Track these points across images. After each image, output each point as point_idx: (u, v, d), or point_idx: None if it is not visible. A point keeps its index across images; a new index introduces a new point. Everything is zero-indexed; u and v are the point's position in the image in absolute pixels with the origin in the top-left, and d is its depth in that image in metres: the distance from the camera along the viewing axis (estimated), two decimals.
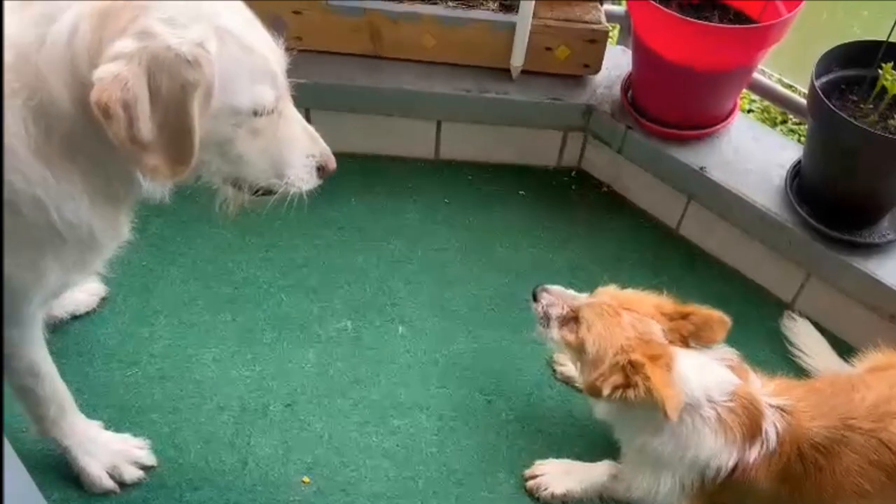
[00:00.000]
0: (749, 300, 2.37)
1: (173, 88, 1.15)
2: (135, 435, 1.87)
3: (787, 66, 2.71)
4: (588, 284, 2.33)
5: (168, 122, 1.17)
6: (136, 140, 1.16)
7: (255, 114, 1.29)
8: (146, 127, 1.16)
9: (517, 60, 2.47)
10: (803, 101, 2.42)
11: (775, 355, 2.21)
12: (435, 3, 2.44)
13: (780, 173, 2.33)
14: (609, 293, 1.78)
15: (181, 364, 2.05)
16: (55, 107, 1.19)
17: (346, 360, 2.11)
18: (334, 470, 1.90)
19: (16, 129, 1.18)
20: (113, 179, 1.34)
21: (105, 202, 1.34)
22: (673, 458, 1.70)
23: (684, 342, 1.72)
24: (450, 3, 2.45)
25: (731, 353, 1.77)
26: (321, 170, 1.42)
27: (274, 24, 1.39)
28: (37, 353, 1.59)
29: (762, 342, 2.25)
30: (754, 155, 2.40)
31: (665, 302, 1.78)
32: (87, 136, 1.22)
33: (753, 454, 1.66)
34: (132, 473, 1.81)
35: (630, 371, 1.63)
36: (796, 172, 2.30)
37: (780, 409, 1.69)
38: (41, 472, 1.77)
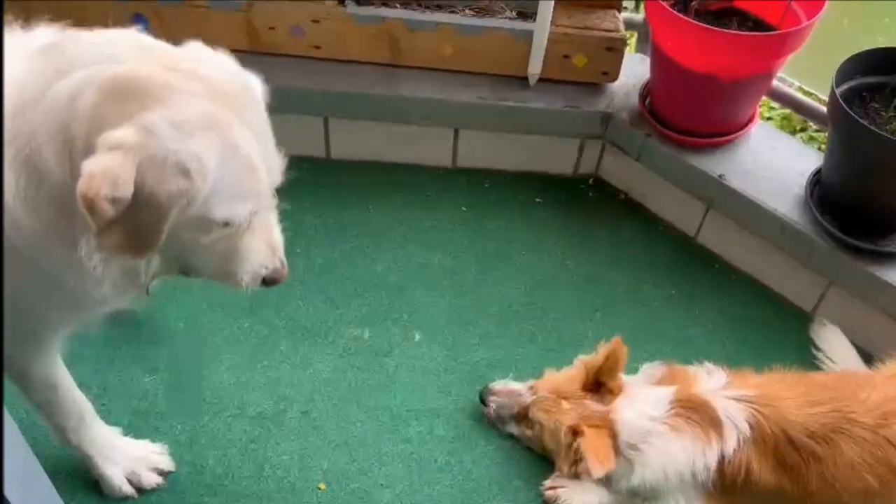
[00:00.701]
0: (769, 309, 2.35)
1: (158, 192, 1.10)
2: (153, 441, 1.89)
3: (808, 74, 2.68)
4: (605, 294, 2.35)
5: (141, 216, 1.12)
6: (106, 225, 1.11)
7: (225, 225, 1.23)
8: (121, 222, 1.12)
9: (535, 68, 2.47)
10: (823, 108, 2.40)
11: (797, 363, 2.17)
12: (453, 12, 2.45)
13: (799, 181, 2.31)
14: (545, 386, 1.93)
15: (200, 371, 2.06)
16: (43, 163, 1.13)
17: (363, 368, 2.11)
18: (350, 477, 1.91)
19: (7, 179, 1.13)
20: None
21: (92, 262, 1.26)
22: (661, 483, 1.76)
23: (615, 389, 1.87)
24: (468, 12, 2.46)
25: (654, 367, 1.93)
26: (268, 281, 1.37)
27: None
28: (53, 368, 1.59)
29: (783, 351, 2.23)
30: (774, 163, 2.38)
31: (580, 373, 1.91)
32: (72, 198, 1.14)
33: (730, 444, 1.71)
34: (151, 479, 1.82)
35: (575, 444, 1.80)
36: (816, 181, 2.28)
37: (743, 399, 1.76)
38: (62, 477, 1.79)
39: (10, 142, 1.12)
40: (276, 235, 1.36)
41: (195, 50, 1.23)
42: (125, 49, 1.15)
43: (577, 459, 1.81)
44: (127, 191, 1.08)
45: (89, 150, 1.08)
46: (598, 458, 1.73)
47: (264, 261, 1.33)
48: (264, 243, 1.33)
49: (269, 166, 1.23)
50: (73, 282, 1.28)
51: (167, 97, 1.11)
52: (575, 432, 1.81)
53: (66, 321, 1.48)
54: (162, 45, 1.20)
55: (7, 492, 1.13)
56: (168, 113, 1.10)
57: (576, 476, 1.85)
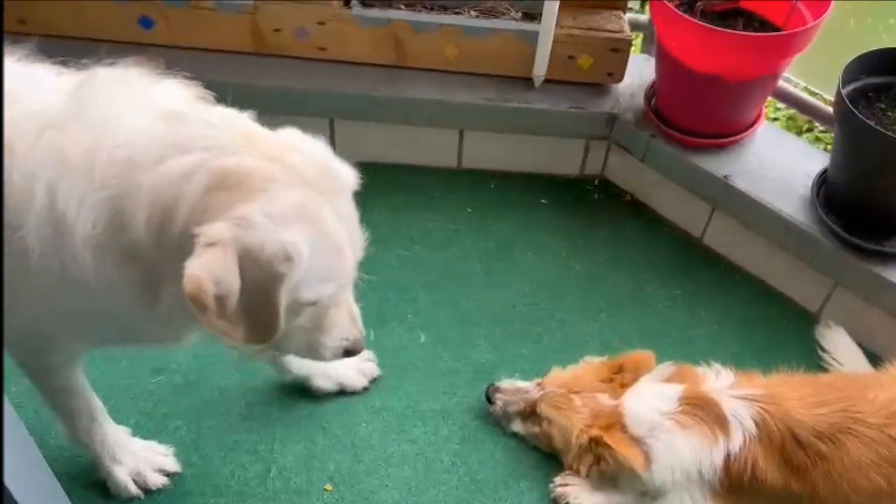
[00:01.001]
0: (774, 310, 2.35)
1: (262, 281, 1.16)
2: (160, 442, 1.89)
3: (813, 74, 2.68)
4: (610, 295, 2.34)
5: (254, 308, 1.19)
6: (223, 323, 1.18)
7: (313, 304, 1.30)
8: (235, 314, 1.18)
9: (540, 69, 2.47)
10: (829, 109, 2.39)
11: (802, 364, 2.17)
12: (458, 14, 2.45)
13: (805, 182, 2.31)
14: (555, 381, 1.94)
15: (206, 372, 2.06)
16: (131, 221, 1.18)
17: None
18: (356, 478, 1.91)
19: (84, 215, 1.17)
20: (174, 307, 1.31)
21: (160, 315, 1.32)
22: (669, 482, 1.76)
23: (627, 384, 1.89)
24: (472, 13, 2.46)
25: (665, 367, 1.91)
26: (348, 352, 1.45)
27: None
28: (72, 374, 1.63)
29: (788, 352, 2.22)
30: (779, 163, 2.38)
31: (601, 366, 1.96)
32: (152, 266, 1.22)
33: (736, 442, 1.72)
34: (157, 480, 1.83)
35: (594, 448, 1.81)
36: (822, 181, 2.28)
37: (749, 398, 1.76)
38: (68, 478, 1.79)
39: (103, 184, 1.16)
40: (355, 306, 1.43)
41: (291, 136, 1.28)
42: (236, 137, 1.20)
43: (597, 459, 1.82)
44: (232, 285, 1.14)
45: (185, 234, 1.15)
46: (639, 458, 1.74)
47: (346, 333, 1.41)
48: (346, 315, 1.41)
49: (353, 247, 1.30)
50: (130, 322, 1.35)
51: (265, 189, 1.16)
52: (596, 439, 1.81)
53: (105, 344, 1.55)
54: (265, 134, 1.25)
55: (7, 480, 1.13)
56: (265, 205, 1.16)
57: (589, 475, 1.86)
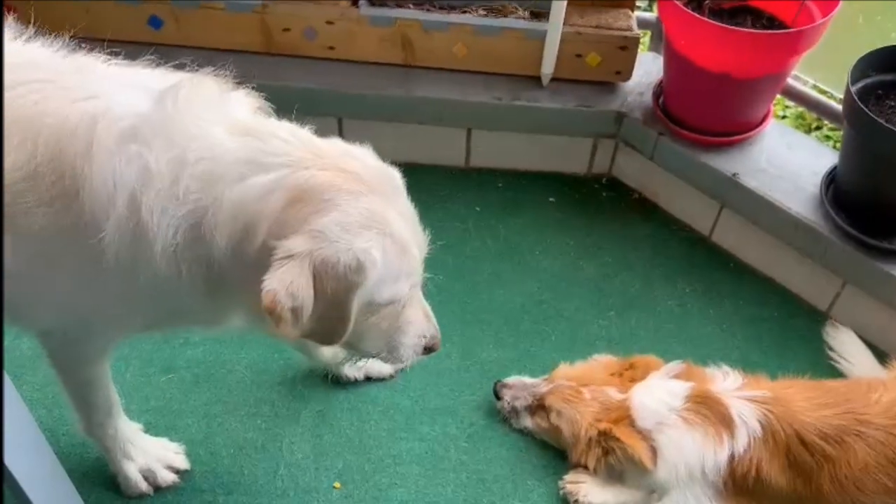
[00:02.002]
0: (783, 309, 2.34)
1: (337, 290, 1.22)
2: (170, 439, 1.90)
3: (823, 72, 2.67)
4: (619, 294, 2.34)
5: (327, 315, 1.24)
6: (296, 332, 1.23)
7: (390, 304, 1.35)
8: (308, 321, 1.22)
9: (548, 68, 2.47)
10: (838, 106, 2.39)
11: (810, 362, 2.18)
12: (466, 13, 2.46)
13: (814, 180, 2.30)
14: (564, 374, 1.96)
15: (216, 370, 2.08)
16: (211, 233, 1.23)
17: None
18: (365, 475, 1.92)
19: (165, 226, 1.22)
20: (232, 304, 1.39)
21: (216, 307, 1.40)
22: (673, 479, 1.77)
23: (636, 379, 1.92)
24: (481, 12, 2.46)
25: (675, 365, 1.92)
26: (427, 349, 1.49)
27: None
28: (101, 368, 1.66)
29: (797, 351, 2.22)
30: (788, 161, 2.37)
31: (610, 362, 2.00)
32: (222, 272, 1.27)
33: (741, 442, 1.73)
34: (167, 477, 1.84)
35: (604, 440, 1.83)
36: (831, 179, 2.27)
37: (755, 399, 1.77)
38: (79, 474, 1.81)
39: (186, 198, 1.21)
40: (426, 304, 1.47)
41: (340, 145, 1.33)
42: (306, 152, 1.25)
43: (605, 452, 1.83)
44: (307, 297, 1.19)
45: (263, 248, 1.20)
46: (646, 452, 1.76)
47: (422, 330, 1.46)
48: (420, 313, 1.46)
49: (418, 244, 1.35)
50: (183, 312, 1.40)
51: (336, 200, 1.22)
52: (605, 433, 1.82)
53: (149, 331, 1.60)
54: (327, 145, 1.30)
55: (8, 461, 1.15)
56: (337, 216, 1.21)
57: (596, 469, 1.87)
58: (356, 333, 1.34)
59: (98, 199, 1.22)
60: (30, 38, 1.35)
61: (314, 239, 1.19)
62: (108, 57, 1.36)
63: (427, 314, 1.48)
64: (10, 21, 1.37)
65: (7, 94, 1.23)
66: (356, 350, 1.46)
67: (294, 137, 1.27)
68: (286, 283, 1.17)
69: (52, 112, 1.23)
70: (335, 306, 1.24)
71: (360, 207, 1.24)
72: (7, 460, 1.16)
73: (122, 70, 1.34)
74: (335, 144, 1.32)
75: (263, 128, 1.27)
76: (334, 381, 2.06)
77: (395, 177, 1.37)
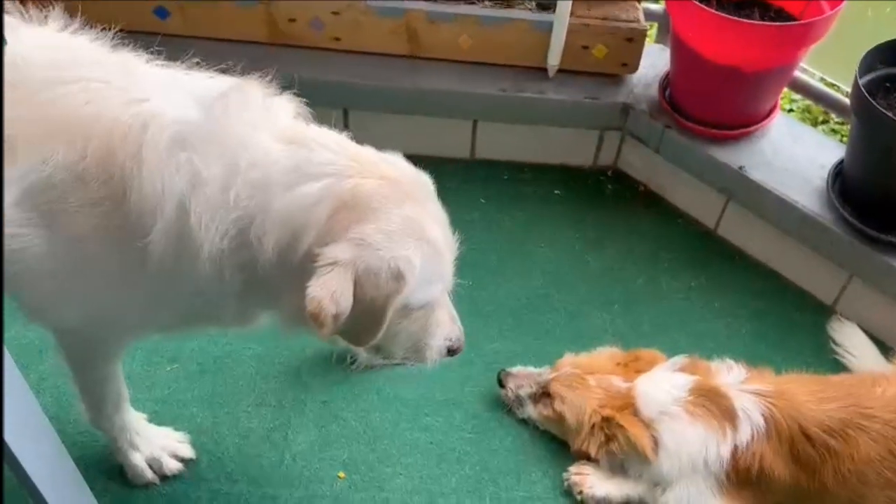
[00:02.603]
0: (789, 302, 2.34)
1: (376, 296, 1.25)
2: (175, 429, 1.91)
3: (830, 65, 2.66)
4: (624, 286, 2.34)
5: (363, 318, 1.27)
6: (331, 334, 1.26)
7: (422, 307, 1.38)
8: (344, 324, 1.25)
9: (554, 59, 2.46)
10: (846, 99, 2.38)
11: (816, 356, 2.17)
12: (472, 4, 2.45)
13: (821, 174, 2.29)
14: (570, 363, 1.97)
15: (221, 360, 2.08)
16: (259, 239, 1.25)
17: None
18: (369, 466, 1.92)
19: (213, 232, 1.24)
20: (266, 306, 1.42)
21: (248, 309, 1.43)
22: (675, 470, 1.78)
23: (642, 369, 1.93)
24: (487, 4, 2.46)
25: (679, 359, 1.92)
26: (451, 351, 1.51)
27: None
28: (115, 365, 1.67)
29: (802, 344, 2.22)
30: (795, 155, 2.36)
31: (616, 353, 2.01)
32: (264, 276, 1.28)
33: (744, 435, 1.73)
34: (172, 466, 1.85)
35: (607, 427, 1.84)
36: (838, 172, 2.26)
37: (759, 393, 1.78)
38: (85, 463, 1.82)
39: (235, 205, 1.23)
40: (452, 306, 1.50)
41: (377, 153, 1.36)
42: (350, 160, 1.28)
43: (607, 439, 1.85)
44: (348, 303, 1.22)
45: (307, 254, 1.23)
46: (647, 441, 1.78)
47: (448, 332, 1.48)
48: (447, 315, 1.48)
49: (450, 248, 1.39)
50: (216, 315, 1.44)
51: (378, 207, 1.26)
52: (608, 419, 1.84)
53: (173, 330, 1.62)
54: (366, 153, 1.33)
55: (15, 449, 1.15)
56: (379, 224, 1.25)
57: (598, 456, 1.88)
58: (386, 335, 1.36)
59: (146, 203, 1.23)
60: (76, 30, 1.36)
61: (358, 247, 1.22)
62: (151, 56, 1.37)
63: (453, 317, 1.50)
64: (55, 12, 1.38)
65: (56, 90, 1.25)
66: (383, 351, 1.47)
67: (337, 146, 1.30)
68: (331, 290, 1.20)
69: (102, 114, 1.24)
70: (372, 311, 1.26)
71: (400, 215, 1.27)
72: (14, 448, 1.16)
73: (167, 72, 1.36)
74: (373, 152, 1.35)
75: (308, 136, 1.30)
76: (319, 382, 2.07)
77: (428, 182, 1.40)
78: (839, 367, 2.15)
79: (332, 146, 1.29)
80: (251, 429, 1.97)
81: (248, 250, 1.26)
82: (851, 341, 2.19)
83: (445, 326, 1.48)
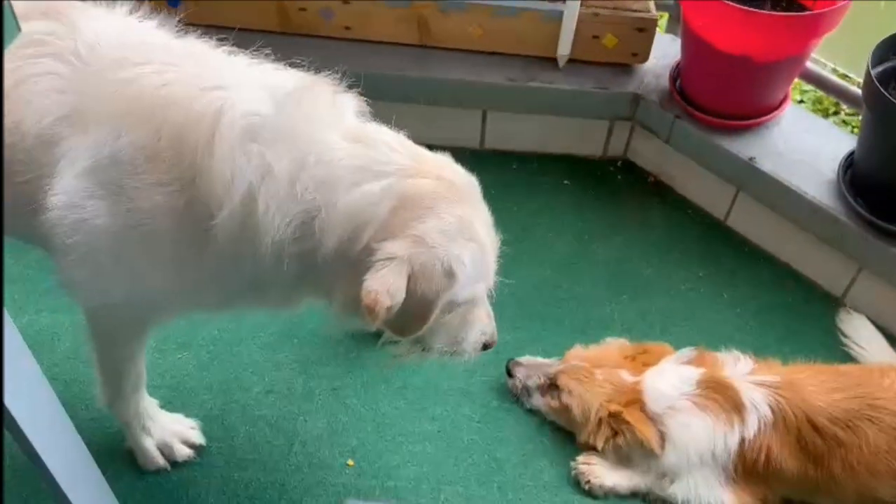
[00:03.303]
0: (798, 294, 2.33)
1: (428, 292, 1.30)
2: (186, 415, 1.93)
3: (842, 55, 2.64)
4: (632, 277, 2.34)
5: (411, 312, 1.32)
6: (380, 324, 1.30)
7: (465, 304, 1.42)
8: (393, 316, 1.29)
9: (564, 49, 2.46)
10: (858, 90, 2.36)
11: (824, 348, 2.17)
12: None
13: (832, 165, 2.28)
14: (578, 355, 1.97)
15: (231, 348, 2.10)
16: (322, 232, 1.29)
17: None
18: (377, 454, 1.94)
19: (278, 223, 1.27)
20: (314, 293, 1.46)
21: (295, 295, 1.47)
22: (683, 462, 1.79)
23: (649, 363, 1.94)
24: None
25: (687, 351, 1.93)
26: (486, 346, 1.56)
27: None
28: (142, 345, 1.70)
29: (811, 336, 2.22)
30: (806, 146, 2.35)
31: (624, 346, 2.02)
32: (322, 266, 1.32)
33: (751, 427, 1.74)
34: (183, 452, 1.86)
35: (613, 422, 1.84)
36: (849, 164, 2.25)
37: (767, 384, 1.78)
38: (96, 447, 1.82)
39: (302, 198, 1.27)
40: (488, 304, 1.54)
41: (429, 152, 1.40)
42: (411, 160, 1.34)
43: (614, 434, 1.85)
44: (401, 297, 1.26)
45: (365, 249, 1.28)
46: (654, 437, 1.78)
47: (484, 328, 1.52)
48: (484, 311, 1.52)
49: (493, 247, 1.43)
50: (264, 299, 1.48)
51: (435, 206, 1.31)
52: (615, 414, 1.84)
53: (212, 310, 1.72)
54: (423, 153, 1.38)
55: (28, 434, 1.17)
56: (436, 222, 1.30)
57: (604, 449, 1.88)
58: (429, 328, 1.40)
59: (214, 189, 1.27)
60: (143, 16, 1.40)
61: (414, 243, 1.27)
62: (218, 43, 1.42)
63: (489, 314, 1.54)
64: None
65: (131, 70, 1.29)
66: (423, 343, 1.50)
67: (399, 145, 1.35)
68: (387, 284, 1.24)
69: (177, 98, 1.28)
70: (421, 305, 1.31)
71: (454, 215, 1.32)
72: (28, 433, 1.18)
73: (237, 60, 1.40)
74: (429, 152, 1.40)
75: (372, 135, 1.35)
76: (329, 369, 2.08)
77: (477, 185, 1.44)
78: (847, 358, 2.15)
79: (395, 145, 1.34)
80: (261, 416, 1.98)
81: (309, 241, 1.30)
82: (860, 333, 2.19)
83: (483, 322, 1.52)
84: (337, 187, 1.28)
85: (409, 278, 1.27)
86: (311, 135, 1.30)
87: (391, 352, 1.53)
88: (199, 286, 1.43)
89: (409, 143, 1.38)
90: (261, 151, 1.27)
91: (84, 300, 1.51)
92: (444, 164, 1.39)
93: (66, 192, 1.29)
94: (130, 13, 1.39)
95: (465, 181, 1.41)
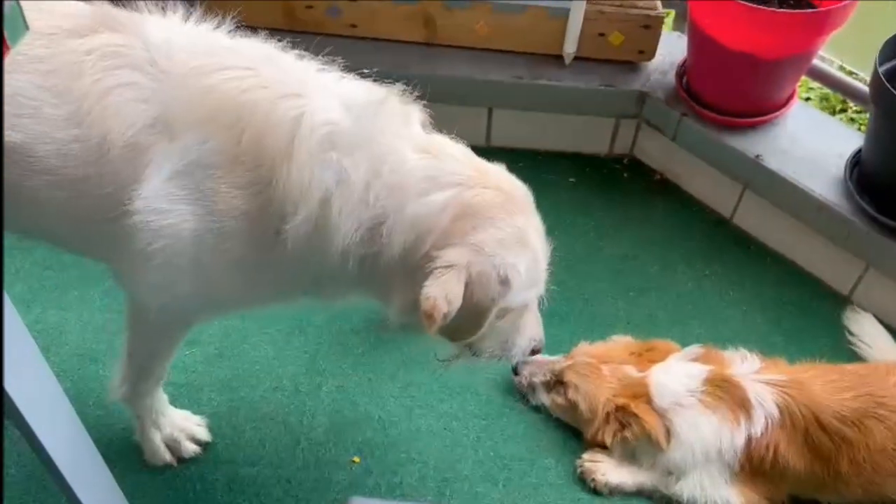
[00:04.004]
0: (804, 292, 2.33)
1: (483, 299, 1.35)
2: (193, 412, 1.93)
3: (849, 53, 2.63)
4: (639, 275, 2.34)
5: (466, 318, 1.36)
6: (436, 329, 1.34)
7: (517, 309, 1.47)
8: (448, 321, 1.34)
9: (570, 47, 2.46)
10: (865, 88, 2.36)
11: (831, 346, 2.17)
12: None
13: (838, 163, 2.28)
14: (584, 352, 1.98)
15: (238, 345, 2.10)
16: (388, 237, 1.35)
17: (396, 344, 2.14)
18: (383, 450, 1.94)
19: (350, 228, 1.33)
20: (373, 295, 1.51)
21: (347, 293, 1.52)
22: (689, 459, 1.79)
23: (656, 360, 1.94)
24: None
25: (694, 348, 1.94)
26: (534, 351, 1.61)
27: None
28: (179, 342, 1.74)
29: (817, 334, 2.22)
30: (812, 143, 2.35)
31: (630, 343, 2.02)
32: (384, 269, 1.38)
33: (758, 425, 1.74)
34: (189, 449, 1.87)
35: (621, 416, 1.85)
36: (856, 162, 2.25)
37: (773, 383, 1.78)
38: (104, 444, 1.84)
39: (373, 205, 1.33)
40: (537, 310, 1.58)
41: (488, 164, 1.46)
42: (473, 171, 1.40)
43: (622, 426, 1.86)
44: (458, 303, 1.32)
45: (426, 256, 1.34)
46: (658, 427, 1.79)
47: (534, 333, 1.58)
48: (534, 317, 1.57)
49: (545, 257, 1.48)
50: (317, 294, 1.53)
51: (494, 216, 1.36)
52: (622, 408, 1.85)
53: (260, 307, 1.78)
54: (484, 164, 1.45)
55: (37, 430, 1.17)
56: (494, 232, 1.35)
57: (612, 445, 1.89)
58: (481, 334, 1.45)
59: (291, 194, 1.32)
60: (198, 20, 1.43)
61: (473, 252, 1.33)
62: (287, 46, 1.46)
63: (538, 319, 1.58)
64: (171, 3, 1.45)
65: (212, 77, 1.33)
66: (474, 347, 1.53)
67: (463, 156, 1.42)
68: (446, 291, 1.30)
69: (258, 104, 1.32)
70: (476, 312, 1.37)
71: (511, 224, 1.37)
72: (36, 430, 1.18)
73: (309, 66, 1.44)
74: (487, 163, 1.46)
75: (439, 146, 1.42)
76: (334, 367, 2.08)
77: (529, 194, 1.49)
78: (854, 356, 2.14)
79: (459, 156, 1.42)
80: (267, 413, 1.99)
81: (375, 245, 1.36)
82: (866, 331, 2.18)
83: (532, 327, 1.57)
84: (406, 196, 1.34)
85: (466, 286, 1.32)
86: (385, 145, 1.36)
87: (442, 355, 1.57)
88: (261, 284, 1.48)
89: (471, 154, 1.45)
90: (339, 159, 1.33)
91: (151, 301, 1.52)
92: (502, 175, 1.46)
93: (152, 197, 1.32)
94: (186, 18, 1.42)
95: (521, 192, 1.46)
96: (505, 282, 1.36)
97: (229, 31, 1.44)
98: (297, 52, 1.47)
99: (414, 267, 1.35)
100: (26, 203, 1.37)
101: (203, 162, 1.32)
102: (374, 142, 1.35)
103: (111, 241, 1.39)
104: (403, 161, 1.36)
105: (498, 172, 1.45)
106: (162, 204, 1.32)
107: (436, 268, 1.31)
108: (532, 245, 1.41)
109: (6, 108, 1.28)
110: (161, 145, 1.32)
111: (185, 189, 1.33)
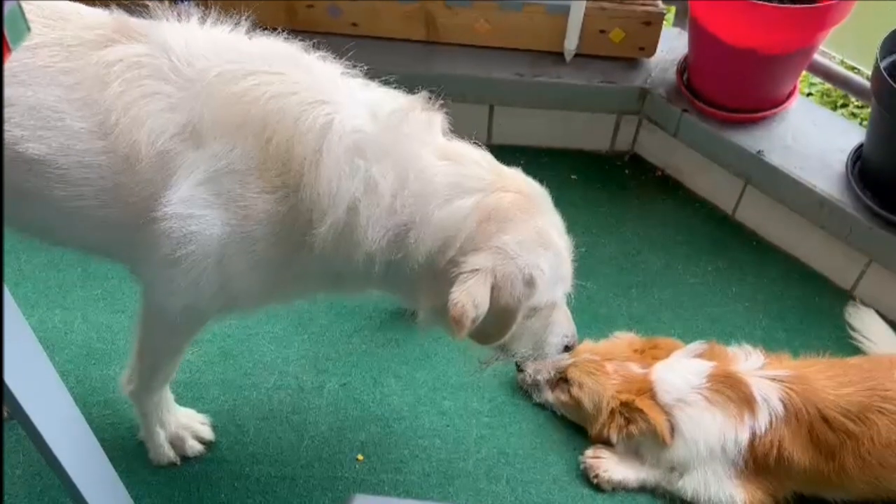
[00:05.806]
0: (807, 287, 2.33)
1: (510, 300, 1.38)
2: (198, 410, 1.94)
3: (851, 47, 2.63)
4: (641, 271, 2.34)
5: (494, 321, 1.40)
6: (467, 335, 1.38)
7: (545, 308, 1.50)
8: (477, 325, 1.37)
9: (571, 44, 2.46)
10: (866, 83, 2.35)
11: (834, 341, 2.17)
12: None
13: (840, 158, 2.28)
14: (587, 349, 1.98)
15: (242, 343, 2.11)
16: (414, 242, 1.37)
17: (399, 343, 2.15)
18: (387, 448, 1.95)
19: (376, 233, 1.36)
20: (398, 296, 1.57)
21: (366, 291, 1.57)
22: (693, 456, 1.79)
23: (659, 357, 1.95)
24: None
25: (697, 345, 1.94)
26: (567, 347, 1.63)
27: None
28: (192, 340, 1.75)
29: (820, 330, 2.22)
30: (814, 139, 2.35)
31: (634, 340, 2.03)
32: (408, 273, 1.41)
33: (762, 421, 1.74)
34: (193, 447, 1.88)
35: (626, 411, 1.86)
36: (858, 157, 2.25)
37: (777, 378, 1.79)
38: (109, 443, 1.85)
39: (400, 212, 1.36)
40: (566, 306, 1.61)
41: (505, 167, 1.49)
42: (494, 176, 1.43)
43: (627, 422, 1.86)
44: (485, 307, 1.35)
45: (451, 262, 1.37)
46: (662, 423, 1.80)
47: (565, 330, 1.60)
48: (563, 314, 1.59)
49: (569, 253, 1.50)
50: (339, 290, 1.57)
51: (515, 219, 1.39)
52: (627, 403, 1.85)
53: (283, 303, 1.84)
54: (502, 168, 1.48)
55: (43, 431, 1.18)
56: (516, 234, 1.39)
57: (618, 441, 1.89)
58: (512, 335, 1.48)
59: (319, 200, 1.34)
60: (214, 22, 1.44)
61: (497, 255, 1.36)
62: (310, 47, 1.48)
63: (568, 316, 1.61)
64: (185, 6, 1.45)
65: (240, 84, 1.34)
66: (506, 349, 1.56)
67: (484, 161, 1.45)
68: (473, 296, 1.33)
69: (286, 111, 1.34)
70: (504, 314, 1.40)
71: (533, 225, 1.41)
72: (42, 430, 1.19)
73: (333, 71, 1.46)
74: (504, 167, 1.49)
75: (461, 153, 1.44)
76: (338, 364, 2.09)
77: (547, 195, 1.52)
78: (857, 351, 2.14)
79: (481, 162, 1.44)
80: (271, 411, 1.99)
81: (402, 251, 1.39)
82: (869, 327, 2.18)
83: (563, 324, 1.59)
84: (431, 202, 1.37)
85: (492, 289, 1.35)
86: (411, 153, 1.38)
87: (478, 359, 1.59)
88: (284, 285, 1.50)
89: (491, 159, 1.47)
90: (367, 167, 1.35)
91: (174, 303, 1.52)
92: (520, 178, 1.49)
93: (181, 203, 1.33)
94: (202, 22, 1.43)
95: (539, 193, 1.49)
96: (530, 282, 1.38)
97: (247, 33, 1.44)
98: (318, 54, 1.49)
99: (440, 271, 1.37)
100: (55, 214, 1.38)
101: (231, 168, 1.33)
102: (400, 149, 1.37)
103: (138, 247, 1.40)
104: (428, 168, 1.38)
105: (515, 175, 1.48)
106: (191, 210, 1.33)
107: (461, 273, 1.34)
108: (554, 244, 1.44)
109: (30, 121, 1.30)
110: (189, 153, 1.33)
111: (214, 195, 1.34)
